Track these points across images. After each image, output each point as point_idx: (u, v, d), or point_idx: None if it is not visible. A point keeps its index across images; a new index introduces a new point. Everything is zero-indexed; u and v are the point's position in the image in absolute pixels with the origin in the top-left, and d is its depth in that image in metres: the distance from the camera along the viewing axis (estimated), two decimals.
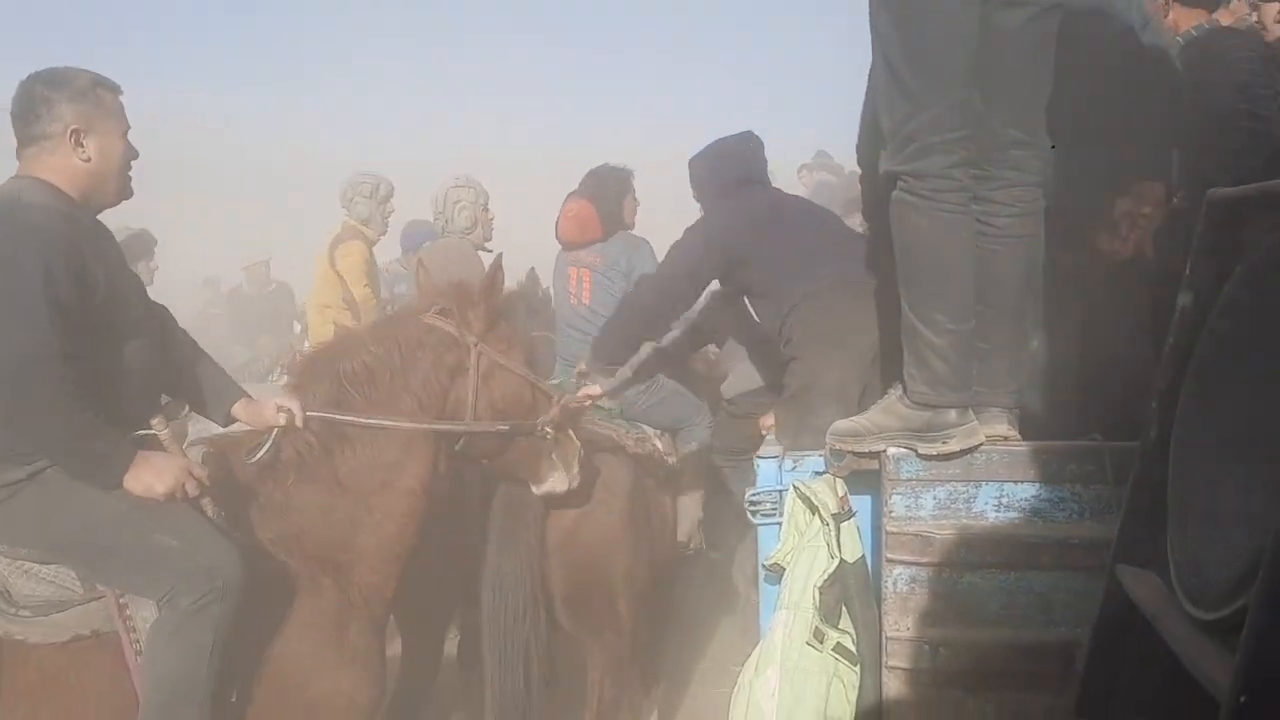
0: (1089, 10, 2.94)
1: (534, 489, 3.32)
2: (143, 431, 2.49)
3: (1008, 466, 2.64)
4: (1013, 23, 2.54)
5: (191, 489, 2.45)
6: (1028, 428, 2.80)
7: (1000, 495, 2.64)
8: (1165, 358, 1.72)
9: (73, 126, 2.47)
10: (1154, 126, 3.10)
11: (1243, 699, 1.18)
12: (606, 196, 4.59)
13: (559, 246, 4.59)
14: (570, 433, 3.35)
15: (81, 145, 2.48)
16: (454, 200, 5.68)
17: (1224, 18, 3.67)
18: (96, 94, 2.53)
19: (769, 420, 3.63)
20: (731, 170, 3.73)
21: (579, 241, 4.71)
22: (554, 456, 3.27)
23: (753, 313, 3.64)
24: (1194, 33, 3.57)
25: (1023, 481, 2.63)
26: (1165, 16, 3.60)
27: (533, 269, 5.40)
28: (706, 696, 4.35)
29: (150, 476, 2.39)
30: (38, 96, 2.48)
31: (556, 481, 3.29)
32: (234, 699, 2.50)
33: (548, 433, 3.20)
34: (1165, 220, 3.09)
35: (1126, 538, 1.80)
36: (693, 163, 3.91)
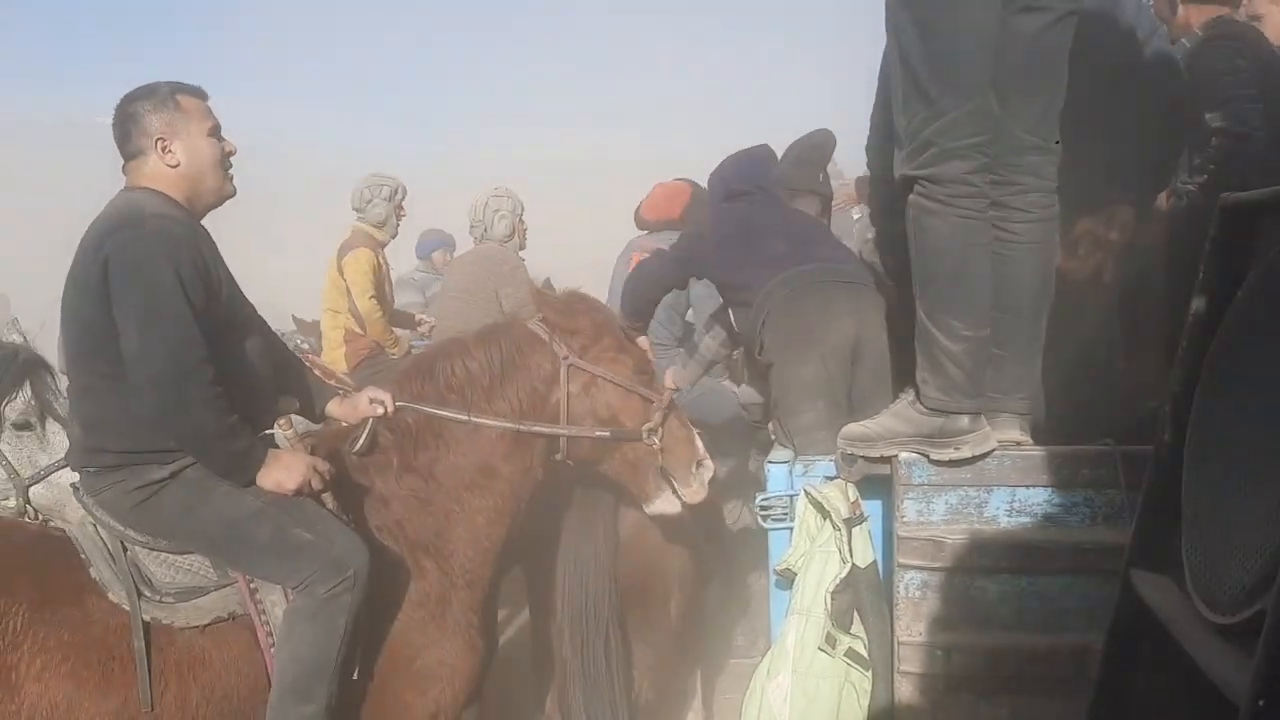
0: (1093, 17, 2.94)
1: (645, 509, 3.18)
2: (267, 432, 2.63)
3: (1020, 471, 2.64)
4: (1031, 28, 2.54)
5: (317, 484, 2.60)
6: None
7: (1012, 500, 2.64)
8: (1179, 361, 1.72)
9: (158, 136, 2.61)
10: (1153, 135, 3.10)
11: (1261, 703, 1.17)
12: (700, 191, 4.80)
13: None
14: (692, 439, 3.18)
15: (170, 151, 2.62)
16: (494, 209, 5.87)
17: (1240, 14, 3.64)
18: (176, 100, 2.65)
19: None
20: (730, 181, 3.92)
21: (661, 212, 4.95)
22: (662, 470, 3.10)
23: (734, 325, 3.74)
24: (1199, 33, 3.54)
25: (1035, 486, 2.63)
26: (1175, 15, 3.58)
27: (548, 279, 5.48)
28: (719, 701, 4.34)
29: (281, 474, 2.56)
30: (127, 115, 2.63)
31: (665, 503, 3.12)
32: (355, 675, 2.64)
33: (654, 441, 3.07)
34: (1129, 242, 3.09)
35: (1141, 542, 1.80)
36: (710, 176, 4.14)
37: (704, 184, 4.98)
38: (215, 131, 2.69)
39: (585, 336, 3.13)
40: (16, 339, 3.81)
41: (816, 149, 4.30)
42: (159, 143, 2.60)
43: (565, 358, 3.06)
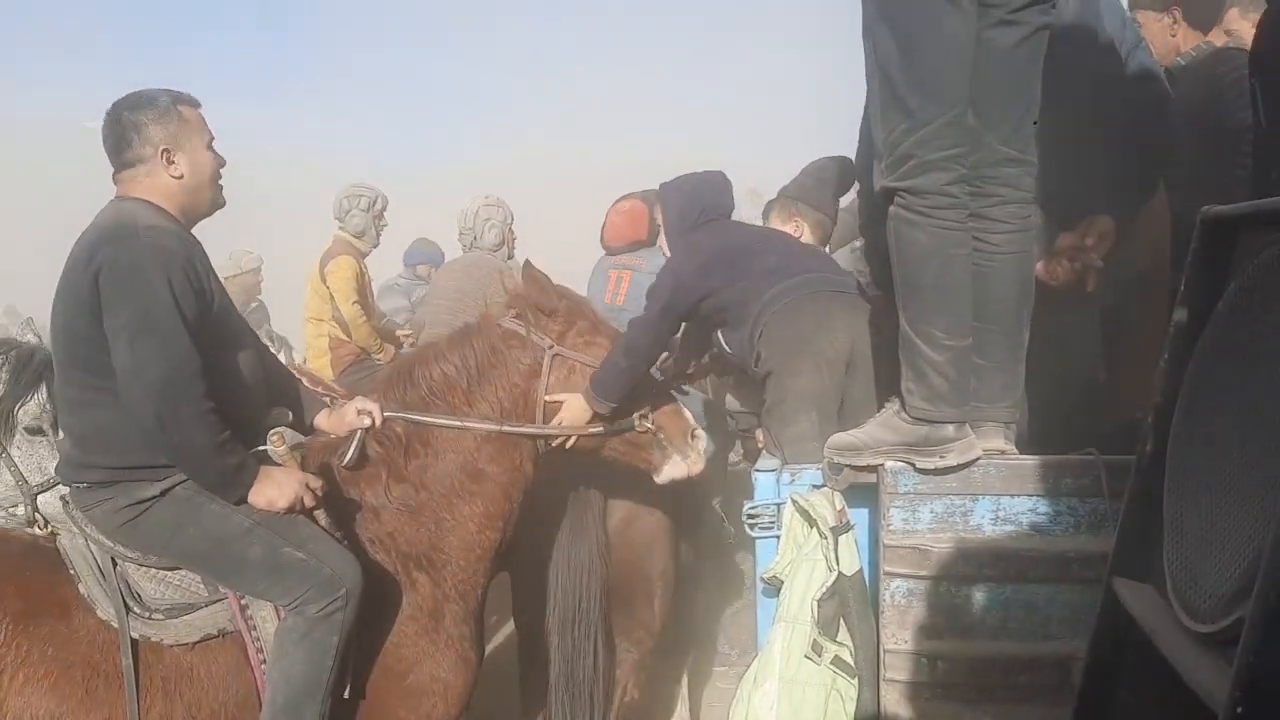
0: (1073, 31, 2.97)
1: (655, 479, 3.25)
2: (260, 448, 2.61)
3: (1004, 480, 2.66)
4: (1006, 42, 2.57)
5: (309, 501, 2.58)
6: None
7: (997, 509, 2.65)
8: (1160, 372, 1.74)
9: (163, 146, 2.58)
10: (1134, 148, 3.12)
11: (1239, 710, 1.19)
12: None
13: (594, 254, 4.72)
14: (681, 412, 3.26)
15: (173, 163, 2.60)
16: (484, 218, 5.90)
17: (1216, 38, 3.71)
18: (178, 111, 2.63)
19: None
20: (693, 210, 3.77)
21: (626, 237, 4.83)
22: (663, 440, 3.19)
23: (724, 346, 3.66)
24: (1194, 53, 3.61)
25: (1019, 495, 2.65)
26: (1173, 36, 3.65)
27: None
28: (705, 709, 4.35)
29: (273, 491, 2.54)
30: (126, 123, 2.59)
31: (673, 468, 3.20)
32: (346, 694, 2.64)
33: (648, 428, 3.13)
34: (1111, 252, 3.11)
35: (1123, 551, 1.81)
36: (661, 204, 3.95)
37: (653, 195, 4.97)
38: (212, 143, 2.68)
39: (561, 321, 3.15)
40: (32, 339, 3.70)
41: (840, 175, 4.24)
42: (164, 153, 2.57)
43: (551, 347, 3.08)
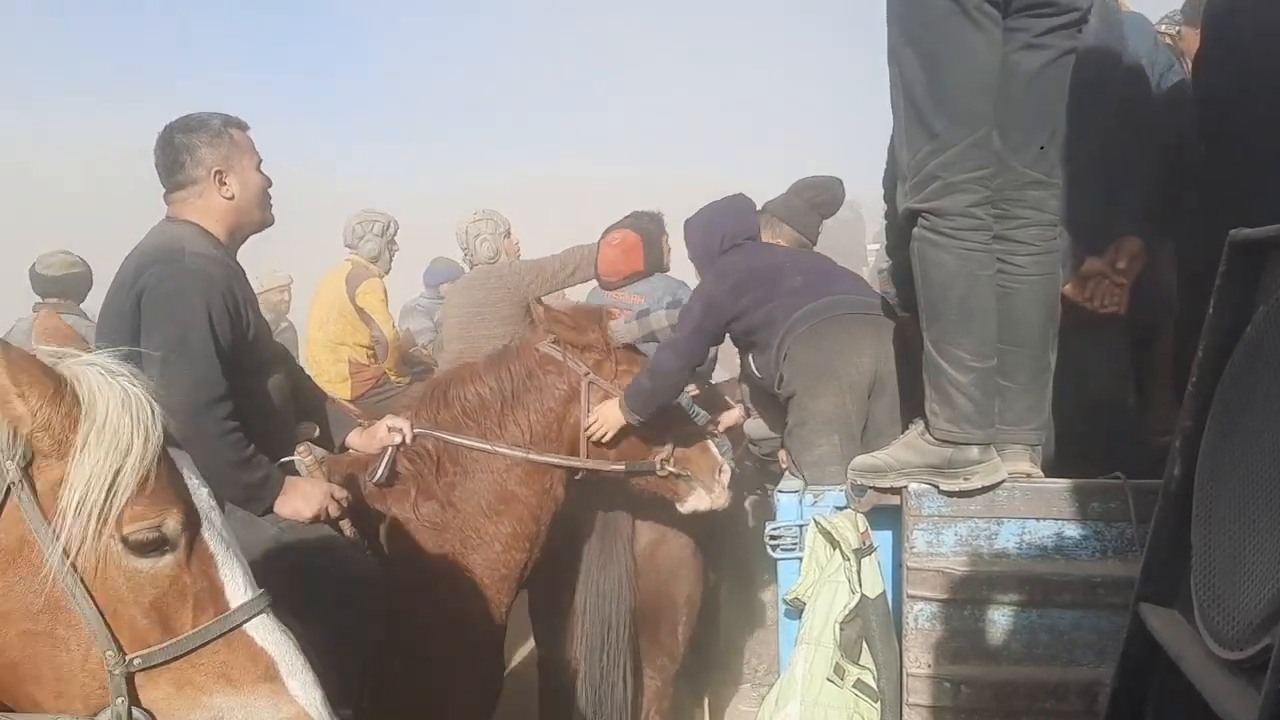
0: (1096, 53, 2.96)
1: (679, 509, 3.31)
2: (286, 458, 2.67)
3: (1030, 503, 2.64)
4: (1032, 65, 2.57)
5: (334, 511, 2.63)
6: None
7: (1022, 532, 2.63)
8: (1189, 395, 1.72)
9: (215, 169, 2.65)
10: (1161, 168, 3.11)
11: None
12: (649, 231, 4.71)
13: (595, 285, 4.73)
14: (708, 447, 3.33)
15: (225, 184, 2.67)
16: (474, 234, 5.93)
17: None
18: (230, 134, 2.69)
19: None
20: (714, 239, 3.75)
21: (622, 271, 4.80)
22: (690, 474, 3.26)
23: (752, 369, 3.66)
24: None
25: (1045, 519, 2.63)
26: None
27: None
28: None
29: (299, 501, 2.59)
30: (179, 145, 2.67)
31: (698, 500, 3.28)
32: (367, 704, 2.66)
33: (669, 471, 3.19)
34: (1138, 274, 3.08)
35: (1150, 576, 1.80)
36: (687, 231, 3.95)
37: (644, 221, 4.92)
38: (260, 165, 2.75)
39: (598, 352, 3.18)
40: None
41: (830, 199, 4.24)
42: (216, 175, 2.64)
43: (586, 374, 3.11)
